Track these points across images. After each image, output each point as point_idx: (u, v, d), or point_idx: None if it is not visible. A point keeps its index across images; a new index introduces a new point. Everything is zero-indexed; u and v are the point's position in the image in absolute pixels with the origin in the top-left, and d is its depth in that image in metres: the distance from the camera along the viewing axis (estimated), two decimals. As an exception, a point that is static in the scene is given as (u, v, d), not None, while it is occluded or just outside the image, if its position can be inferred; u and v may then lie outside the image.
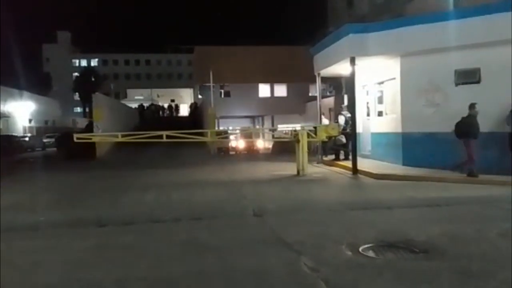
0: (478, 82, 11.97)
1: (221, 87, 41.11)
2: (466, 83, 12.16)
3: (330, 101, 29.15)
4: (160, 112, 57.39)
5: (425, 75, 12.90)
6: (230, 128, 36.78)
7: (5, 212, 8.24)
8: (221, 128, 35.13)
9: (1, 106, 44.48)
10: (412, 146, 13.04)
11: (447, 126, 11.26)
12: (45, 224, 7.22)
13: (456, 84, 12.38)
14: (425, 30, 12.41)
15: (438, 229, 6.18)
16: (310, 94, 40.43)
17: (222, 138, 21.66)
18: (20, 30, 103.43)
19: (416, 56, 13.02)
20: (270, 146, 25.60)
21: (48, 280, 4.58)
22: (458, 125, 10.97)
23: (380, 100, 15.74)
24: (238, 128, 33.82)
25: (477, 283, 4.20)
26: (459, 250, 5.18)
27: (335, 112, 23.11)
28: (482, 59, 11.77)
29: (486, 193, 9.04)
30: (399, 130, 13.63)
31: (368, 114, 16.37)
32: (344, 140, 15.53)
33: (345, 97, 21.21)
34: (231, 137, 25.29)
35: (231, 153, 25.94)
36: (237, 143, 26.56)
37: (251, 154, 24.74)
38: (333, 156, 16.28)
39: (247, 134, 22.67)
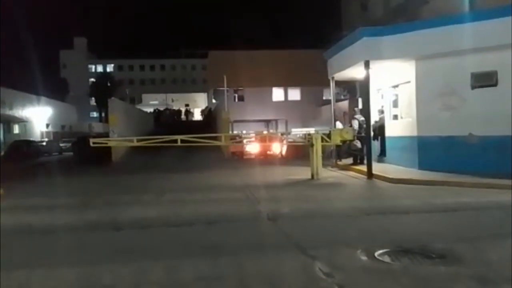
0: (495, 85, 11.81)
1: (235, 91, 41.22)
2: (482, 86, 12.01)
3: (344, 104, 29.00)
4: (175, 117, 57.84)
5: (441, 78, 12.76)
6: (244, 132, 36.78)
7: (22, 214, 8.37)
8: (235, 132, 35.16)
9: (20, 111, 45.31)
10: (428, 150, 12.90)
11: (464, 130, 11.12)
12: (62, 227, 7.30)
13: (473, 87, 12.23)
14: (440, 33, 12.29)
15: (455, 234, 6.10)
16: (324, 98, 40.25)
17: (236, 142, 21.67)
18: (38, 36, 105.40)
19: (431, 59, 12.90)
20: (284, 150, 25.49)
21: (61, 284, 4.63)
22: None
23: (395, 104, 15.61)
24: (252, 132, 33.85)
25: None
26: (477, 256, 5.11)
27: (350, 116, 22.98)
28: (499, 62, 11.61)
29: (504, 198, 8.86)
30: (415, 133, 13.50)
31: (383, 118, 16.25)
32: (359, 145, 15.38)
33: (360, 101, 21.11)
34: (245, 141, 25.24)
35: (245, 157, 25.91)
36: (252, 147, 26.50)
37: (265, 158, 24.70)
38: (347, 160, 16.17)
39: (262, 138, 22.61)
